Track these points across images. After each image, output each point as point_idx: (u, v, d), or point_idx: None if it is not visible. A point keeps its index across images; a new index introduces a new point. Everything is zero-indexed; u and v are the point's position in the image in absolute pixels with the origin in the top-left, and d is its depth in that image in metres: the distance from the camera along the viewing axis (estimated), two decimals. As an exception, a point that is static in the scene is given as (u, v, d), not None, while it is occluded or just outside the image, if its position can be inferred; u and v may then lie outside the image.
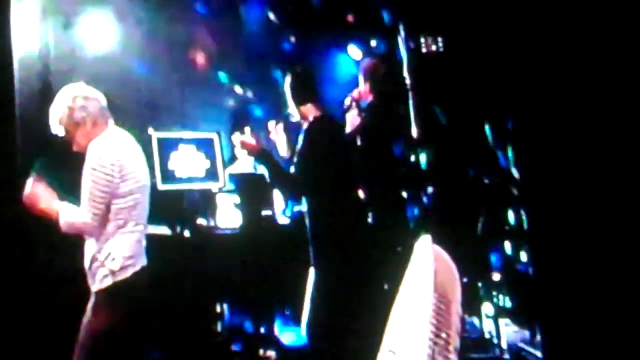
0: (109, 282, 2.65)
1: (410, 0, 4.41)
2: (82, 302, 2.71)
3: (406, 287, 1.59)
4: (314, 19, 5.40)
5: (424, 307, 1.47)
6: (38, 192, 2.68)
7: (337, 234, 3.37)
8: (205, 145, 4.17)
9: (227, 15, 5.42)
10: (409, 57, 4.06)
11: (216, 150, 4.21)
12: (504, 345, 4.12)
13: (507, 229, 4.17)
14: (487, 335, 4.24)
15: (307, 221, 3.45)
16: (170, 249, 3.90)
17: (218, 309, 4.26)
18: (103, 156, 2.64)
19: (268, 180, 3.49)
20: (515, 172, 3.82)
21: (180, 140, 4.08)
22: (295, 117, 3.59)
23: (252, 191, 4.32)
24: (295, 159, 3.47)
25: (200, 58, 5.33)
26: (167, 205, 3.90)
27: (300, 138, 3.49)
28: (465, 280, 3.34)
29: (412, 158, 4.01)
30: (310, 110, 3.51)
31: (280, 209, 4.69)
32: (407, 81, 4.01)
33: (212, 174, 4.16)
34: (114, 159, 2.65)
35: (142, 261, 2.77)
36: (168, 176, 3.93)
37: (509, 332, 4.23)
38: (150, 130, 3.92)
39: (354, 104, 3.88)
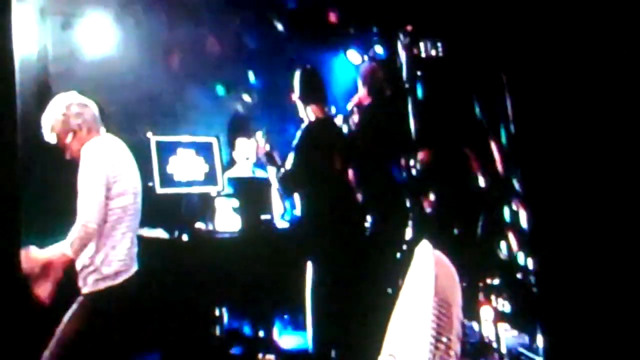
0: (100, 285, 2.66)
1: (409, 4, 4.41)
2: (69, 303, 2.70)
3: (407, 292, 1.58)
4: (314, 24, 5.40)
5: (424, 311, 1.46)
6: (32, 257, 2.58)
7: (326, 231, 3.41)
8: (204, 149, 4.18)
9: (227, 18, 5.41)
10: (408, 62, 4.06)
11: (215, 154, 4.22)
12: (504, 350, 4.10)
13: (507, 232, 4.16)
14: (486, 340, 4.23)
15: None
16: (168, 252, 3.90)
17: (217, 313, 4.25)
18: (97, 156, 2.68)
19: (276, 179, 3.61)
20: (515, 177, 3.82)
21: (179, 144, 4.08)
22: (300, 112, 3.64)
23: (250, 195, 4.31)
24: (291, 154, 3.52)
25: (199, 61, 5.32)
26: (165, 209, 3.91)
27: (299, 134, 3.54)
28: (464, 284, 3.32)
29: (411, 161, 4.00)
30: (315, 111, 3.57)
31: (279, 212, 4.70)
32: (406, 85, 4.01)
33: (210, 178, 4.16)
34: (107, 159, 2.69)
35: (134, 266, 2.79)
36: (167, 180, 3.93)
37: (508, 336, 4.22)
38: (149, 134, 3.92)
39: (355, 109, 3.91)
